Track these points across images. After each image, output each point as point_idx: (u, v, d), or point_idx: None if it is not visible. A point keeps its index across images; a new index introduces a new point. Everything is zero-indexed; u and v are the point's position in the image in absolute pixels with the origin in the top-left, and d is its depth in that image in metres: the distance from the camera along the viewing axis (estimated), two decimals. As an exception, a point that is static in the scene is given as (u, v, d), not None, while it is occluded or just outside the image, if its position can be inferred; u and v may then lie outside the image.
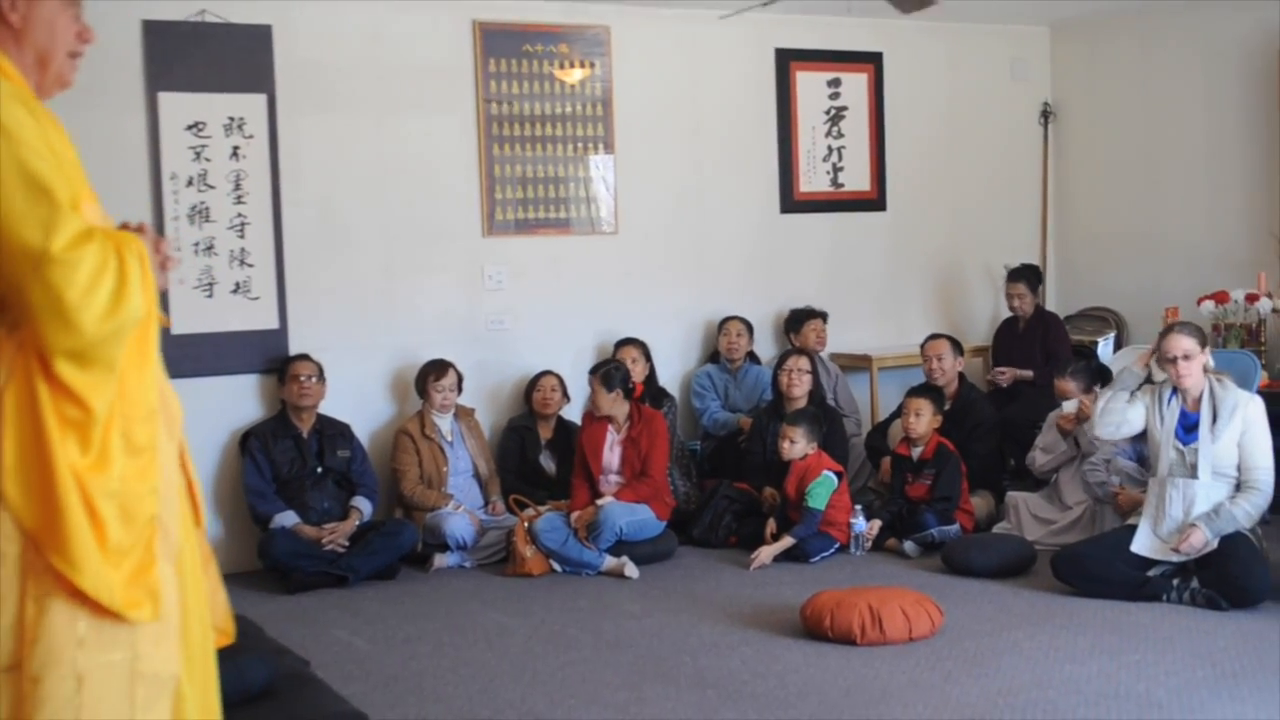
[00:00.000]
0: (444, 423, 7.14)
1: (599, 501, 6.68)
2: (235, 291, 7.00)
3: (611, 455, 6.88)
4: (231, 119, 6.94)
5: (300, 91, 7.11)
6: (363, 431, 7.17)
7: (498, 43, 7.63)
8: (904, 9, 6.12)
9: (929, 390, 7.28)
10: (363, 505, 6.81)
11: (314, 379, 6.85)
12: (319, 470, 6.81)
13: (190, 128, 6.85)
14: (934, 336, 7.77)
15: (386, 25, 7.34)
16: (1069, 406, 6.79)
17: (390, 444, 7.19)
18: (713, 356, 8.20)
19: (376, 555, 6.57)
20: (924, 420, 7.03)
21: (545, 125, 7.80)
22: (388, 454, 7.18)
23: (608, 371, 6.88)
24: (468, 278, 7.64)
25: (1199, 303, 7.79)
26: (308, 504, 6.71)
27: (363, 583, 6.47)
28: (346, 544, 6.61)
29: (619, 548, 6.59)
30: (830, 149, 8.69)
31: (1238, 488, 5.67)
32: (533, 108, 7.74)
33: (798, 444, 6.84)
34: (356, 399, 7.25)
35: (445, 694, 4.81)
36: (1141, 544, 5.74)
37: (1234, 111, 8.24)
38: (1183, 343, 5.71)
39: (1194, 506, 5.64)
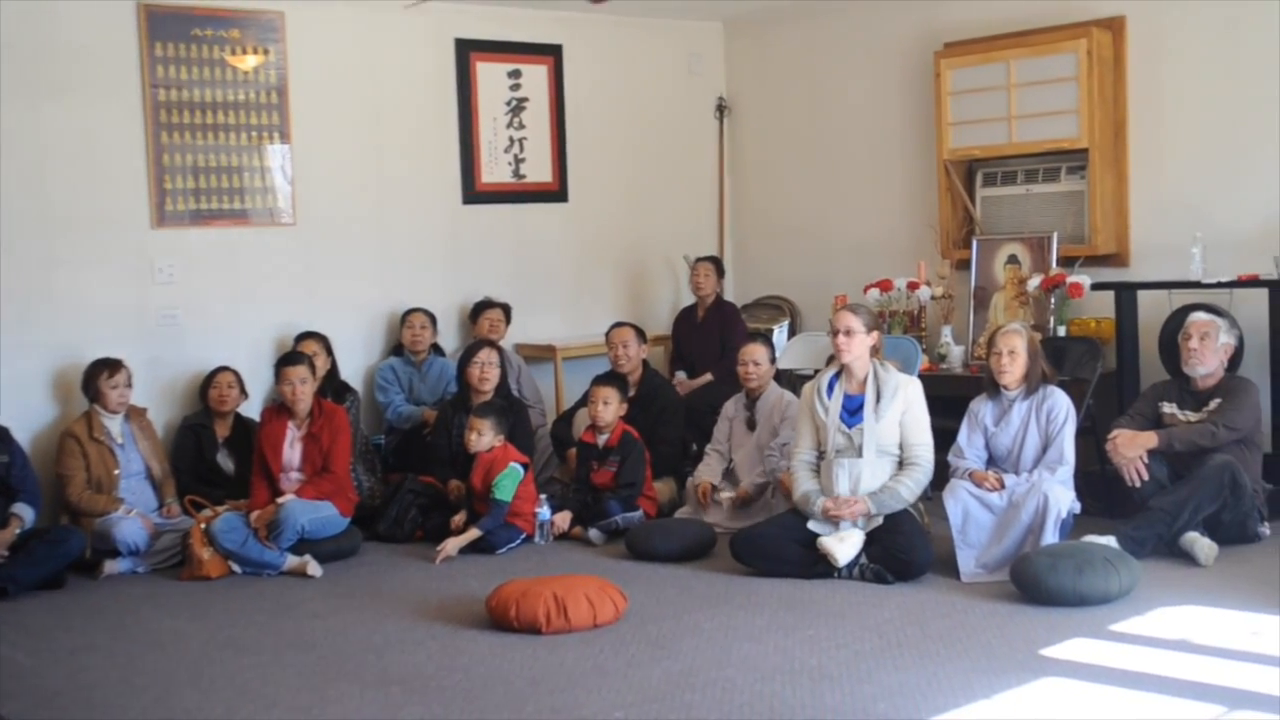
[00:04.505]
0: (114, 424, 6.83)
1: (279, 500, 6.51)
2: (-125, 287, 6.52)
3: (292, 452, 6.72)
4: None
5: (-54, 73, 6.68)
6: (23, 434, 6.77)
7: (164, 26, 7.34)
8: None
9: (614, 378, 7.38)
10: (23, 512, 6.42)
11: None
12: (-27, 477, 6.41)
13: None
14: (618, 324, 7.87)
15: (39, 4, 6.95)
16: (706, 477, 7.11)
17: (54, 447, 6.83)
18: (396, 349, 8.11)
19: (40, 564, 6.22)
20: (611, 408, 7.13)
21: (218, 113, 7.57)
22: (51, 457, 6.82)
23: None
24: (136, 270, 7.34)
25: (865, 290, 8.16)
26: (-38, 513, 6.31)
27: (25, 594, 6.11)
28: (6, 553, 6.23)
29: (301, 546, 6.44)
30: (512, 140, 8.71)
31: (900, 465, 5.97)
32: (204, 94, 7.49)
33: (485, 436, 6.83)
34: (15, 400, 6.88)
35: (116, 705, 4.60)
36: (816, 522, 5.96)
37: (896, 108, 8.66)
38: (847, 319, 6.00)
39: (860, 483, 5.90)
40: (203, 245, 7.55)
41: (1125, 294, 7.21)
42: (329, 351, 7.62)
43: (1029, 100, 7.70)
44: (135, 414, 6.98)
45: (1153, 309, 7.16)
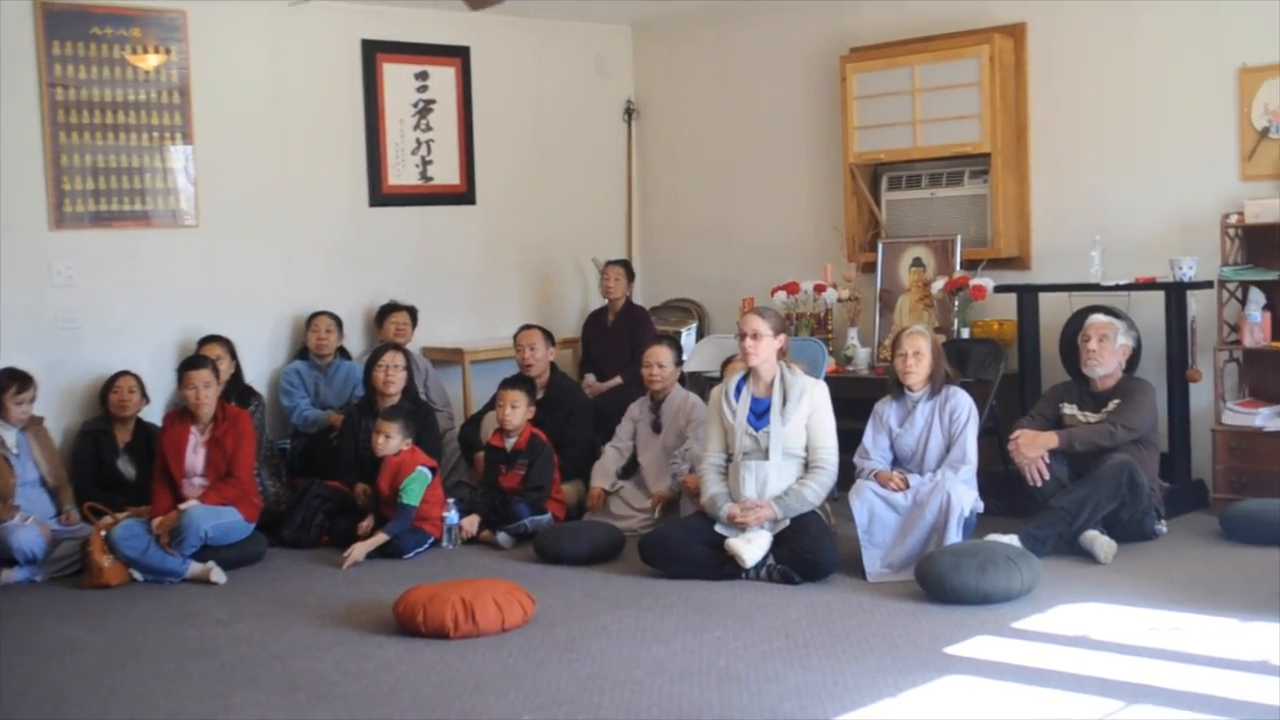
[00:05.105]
0: (9, 434, 6.67)
1: (182, 506, 6.41)
2: None
3: (195, 457, 6.61)
4: None
5: None
6: (-85, 441, 6.63)
7: (63, 24, 7.21)
8: (472, 6, 6.16)
9: (522, 381, 7.36)
10: (-83, 521, 6.29)
11: None
12: None
13: None
14: (526, 327, 7.86)
15: (-66, 1, 6.82)
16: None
17: (-52, 454, 6.68)
18: (301, 353, 8.03)
19: (-67, 575, 6.09)
20: (519, 411, 7.10)
21: (119, 113, 7.45)
22: (-55, 465, 6.67)
23: None
24: (33, 274, 7.19)
25: (773, 293, 8.21)
26: None
27: (-81, 604, 5.99)
28: (-101, 564, 6.09)
29: (204, 553, 6.34)
30: (419, 142, 8.66)
31: (805, 467, 6.01)
32: (104, 94, 7.37)
33: (393, 439, 6.78)
34: (-92, 406, 6.70)
35: (13, 717, 4.50)
36: (723, 524, 5.99)
37: (802, 112, 8.73)
38: (754, 322, 6.04)
39: (766, 485, 5.94)
40: (103, 247, 7.42)
41: (1027, 296, 7.32)
42: (233, 355, 7.52)
43: (933, 105, 7.80)
44: (32, 423, 6.82)
45: (1053, 311, 7.29)
